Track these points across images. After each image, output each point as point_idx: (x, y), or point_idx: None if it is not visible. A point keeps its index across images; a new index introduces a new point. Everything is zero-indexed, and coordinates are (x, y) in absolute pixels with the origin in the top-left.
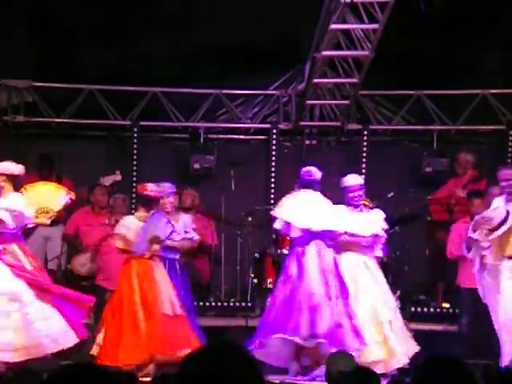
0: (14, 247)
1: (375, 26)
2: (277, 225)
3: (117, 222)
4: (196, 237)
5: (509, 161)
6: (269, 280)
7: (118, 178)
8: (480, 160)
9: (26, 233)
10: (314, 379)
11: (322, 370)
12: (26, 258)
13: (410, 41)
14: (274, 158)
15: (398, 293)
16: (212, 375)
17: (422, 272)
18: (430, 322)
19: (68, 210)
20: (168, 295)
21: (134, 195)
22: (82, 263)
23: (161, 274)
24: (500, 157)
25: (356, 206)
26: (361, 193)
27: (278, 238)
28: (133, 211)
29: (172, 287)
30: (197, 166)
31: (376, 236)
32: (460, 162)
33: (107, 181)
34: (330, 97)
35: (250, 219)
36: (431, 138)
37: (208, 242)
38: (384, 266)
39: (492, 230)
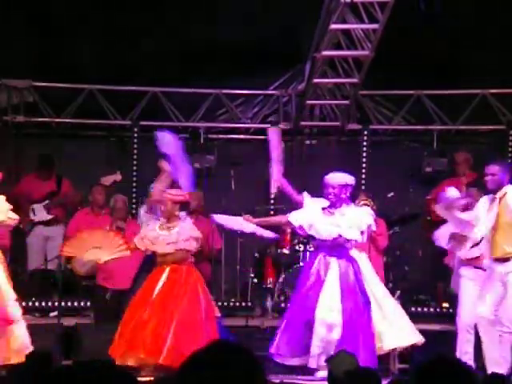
0: None
1: (375, 25)
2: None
3: (118, 228)
4: None
5: (509, 161)
6: (269, 280)
7: (119, 177)
8: (480, 160)
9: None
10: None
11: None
12: None
13: (410, 41)
14: None
15: (398, 293)
16: (215, 374)
17: (422, 272)
18: (430, 322)
19: (68, 211)
20: None
21: (134, 195)
22: (82, 263)
23: None
24: (500, 157)
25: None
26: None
27: (279, 238)
28: (133, 211)
29: None
30: (197, 165)
31: None
32: (459, 162)
33: (107, 181)
34: (330, 97)
35: None
36: (431, 138)
37: (217, 246)
38: (384, 265)
39: None
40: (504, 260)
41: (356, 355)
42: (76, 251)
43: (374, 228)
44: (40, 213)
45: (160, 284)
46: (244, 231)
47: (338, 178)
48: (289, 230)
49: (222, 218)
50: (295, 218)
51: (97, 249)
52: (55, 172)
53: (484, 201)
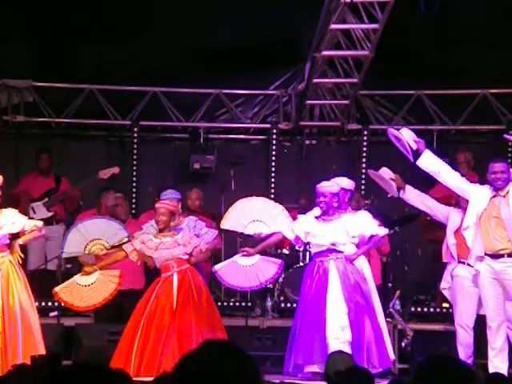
0: None
1: (375, 25)
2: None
3: None
4: None
5: (509, 161)
6: None
7: (117, 170)
8: (480, 160)
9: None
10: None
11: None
12: None
13: (410, 41)
14: (274, 158)
15: (398, 293)
16: (210, 374)
17: (422, 272)
18: (430, 322)
19: (68, 211)
20: None
21: (134, 195)
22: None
23: None
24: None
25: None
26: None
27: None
28: (133, 211)
29: None
30: (197, 165)
31: None
32: (460, 162)
33: (106, 174)
34: (330, 97)
35: None
36: (431, 138)
37: (217, 246)
38: (384, 266)
39: None
40: (498, 256)
41: (358, 356)
42: (70, 297)
43: (383, 232)
44: (40, 211)
45: (175, 294)
46: (254, 286)
47: (328, 187)
48: None
49: (224, 272)
50: (289, 230)
51: (90, 288)
52: (53, 168)
53: (486, 190)
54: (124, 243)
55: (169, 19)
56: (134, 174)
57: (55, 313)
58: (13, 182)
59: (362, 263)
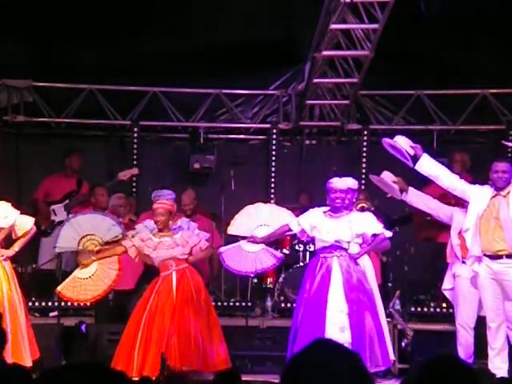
0: None
1: (375, 25)
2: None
3: (131, 220)
4: None
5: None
6: (269, 280)
7: (135, 171)
8: (480, 160)
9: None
10: None
11: None
12: None
13: (410, 41)
14: (274, 158)
15: (398, 293)
16: (322, 374)
17: (422, 272)
18: (430, 322)
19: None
20: None
21: (134, 195)
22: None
23: None
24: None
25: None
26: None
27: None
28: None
29: None
30: (197, 165)
31: None
32: (454, 161)
33: (125, 175)
34: (330, 97)
35: None
36: (431, 138)
37: (217, 246)
38: (384, 265)
39: None
40: (497, 257)
41: (361, 356)
42: (74, 293)
43: (388, 234)
44: (60, 213)
45: (173, 293)
46: (249, 272)
47: (345, 183)
48: None
49: (228, 255)
50: (296, 223)
51: (92, 279)
52: (79, 167)
53: (486, 190)
54: (118, 240)
55: (169, 19)
56: None
57: (55, 313)
58: (13, 181)
59: (365, 262)
